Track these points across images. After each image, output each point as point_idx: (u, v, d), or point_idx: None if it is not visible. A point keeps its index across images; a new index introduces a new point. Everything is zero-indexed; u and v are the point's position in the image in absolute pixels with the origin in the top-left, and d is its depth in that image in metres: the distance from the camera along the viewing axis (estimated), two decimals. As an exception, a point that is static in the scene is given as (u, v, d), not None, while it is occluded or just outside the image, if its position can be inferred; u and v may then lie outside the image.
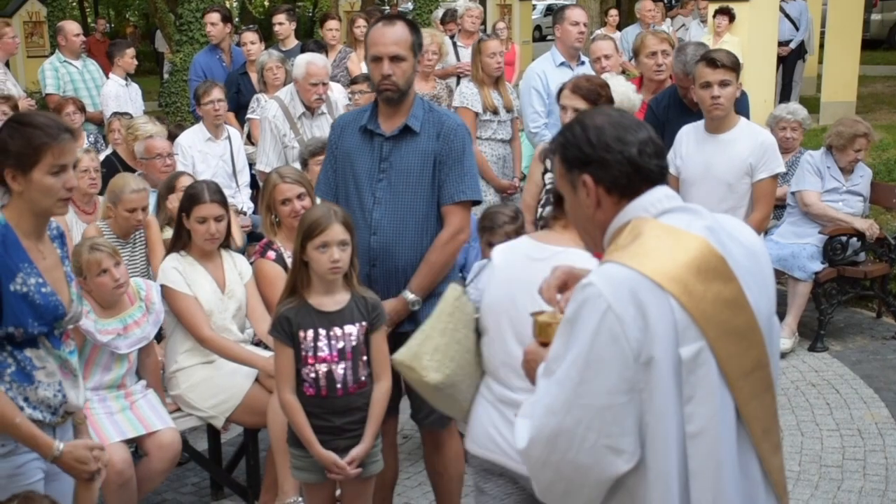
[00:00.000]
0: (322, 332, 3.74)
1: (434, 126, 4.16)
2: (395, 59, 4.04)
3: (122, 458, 4.36)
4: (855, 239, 6.98)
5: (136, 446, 4.60)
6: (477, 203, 4.29)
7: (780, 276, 7.11)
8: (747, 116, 5.77)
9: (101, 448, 3.28)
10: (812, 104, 13.67)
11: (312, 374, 3.75)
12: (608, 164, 2.34)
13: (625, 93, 5.23)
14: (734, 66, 5.04)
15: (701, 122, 5.18)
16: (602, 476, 2.20)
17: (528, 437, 2.24)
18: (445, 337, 3.38)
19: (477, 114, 7.08)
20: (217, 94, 7.44)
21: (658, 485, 2.19)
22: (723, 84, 5.02)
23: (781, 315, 7.02)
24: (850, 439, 5.58)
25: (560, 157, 2.43)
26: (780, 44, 12.75)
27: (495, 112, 7.12)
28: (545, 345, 2.48)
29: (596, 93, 4.86)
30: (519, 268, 3.33)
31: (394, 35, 4.06)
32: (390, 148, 4.16)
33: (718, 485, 2.21)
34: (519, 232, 3.81)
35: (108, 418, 4.49)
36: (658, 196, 2.35)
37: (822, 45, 15.21)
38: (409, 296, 4.13)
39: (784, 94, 13.34)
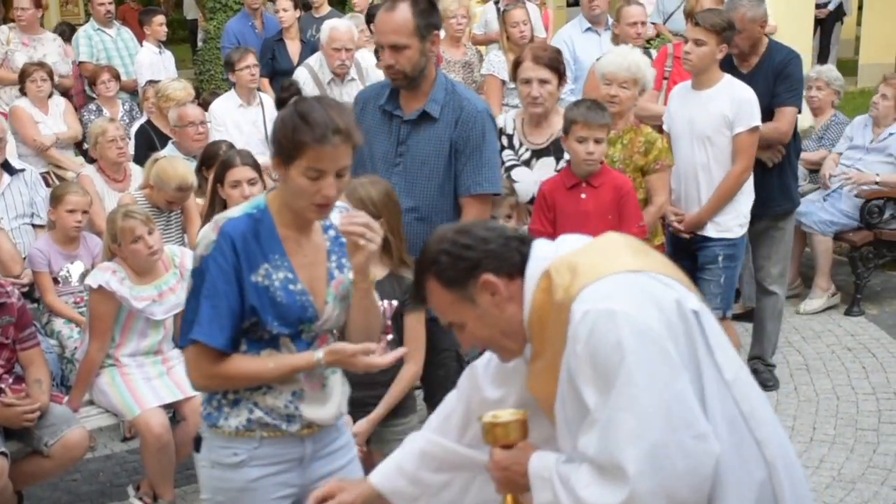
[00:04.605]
0: None
1: (453, 112, 3.97)
2: (394, 47, 3.85)
3: (160, 423, 4.44)
4: (893, 202, 6.89)
5: (174, 411, 4.67)
6: (496, 195, 4.09)
7: (809, 239, 7.05)
8: (801, 80, 5.67)
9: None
10: (850, 66, 13.47)
11: None
12: (495, 252, 2.35)
13: (636, 63, 5.00)
14: (713, 29, 4.99)
15: (689, 81, 5.23)
16: (706, 471, 2.13)
17: (629, 475, 2.09)
18: None
19: (504, 81, 7.04)
20: (252, 59, 7.46)
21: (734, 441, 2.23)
22: (697, 42, 5.04)
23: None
24: (887, 402, 5.54)
25: (445, 283, 2.37)
26: (818, 6, 12.55)
27: None
28: (508, 447, 2.40)
29: (557, 60, 4.70)
30: None
31: (392, 23, 3.84)
32: (408, 131, 4.02)
33: (771, 414, 2.33)
34: None
35: (145, 383, 4.56)
36: (538, 247, 2.39)
37: (860, 7, 14.99)
38: None
39: (822, 57, 13.16)
